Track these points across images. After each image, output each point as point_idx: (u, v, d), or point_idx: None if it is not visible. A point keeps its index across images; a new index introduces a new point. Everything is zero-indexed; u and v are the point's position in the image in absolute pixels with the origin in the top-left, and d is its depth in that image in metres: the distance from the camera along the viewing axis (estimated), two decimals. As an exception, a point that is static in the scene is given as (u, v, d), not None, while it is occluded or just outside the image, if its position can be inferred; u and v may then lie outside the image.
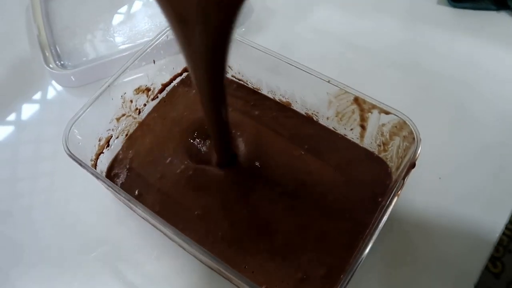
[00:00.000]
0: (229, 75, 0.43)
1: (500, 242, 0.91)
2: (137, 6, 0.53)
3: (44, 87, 0.47)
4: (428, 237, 0.35)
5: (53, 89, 0.46)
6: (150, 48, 0.38)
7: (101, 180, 0.31)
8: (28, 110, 0.45)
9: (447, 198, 0.36)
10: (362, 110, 0.35)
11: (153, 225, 0.35)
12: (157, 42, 0.39)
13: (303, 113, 0.40)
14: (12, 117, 0.45)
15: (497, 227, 0.35)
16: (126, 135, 0.40)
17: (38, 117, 0.45)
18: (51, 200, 0.39)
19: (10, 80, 0.48)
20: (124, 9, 0.52)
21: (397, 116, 0.32)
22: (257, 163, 0.37)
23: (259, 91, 0.42)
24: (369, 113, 0.34)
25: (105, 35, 0.49)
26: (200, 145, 0.38)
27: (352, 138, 0.38)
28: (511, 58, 0.45)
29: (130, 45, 0.48)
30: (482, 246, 0.34)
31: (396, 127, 0.33)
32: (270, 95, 0.41)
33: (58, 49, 0.48)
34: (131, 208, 0.35)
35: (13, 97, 0.46)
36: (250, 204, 0.35)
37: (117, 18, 0.51)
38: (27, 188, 0.40)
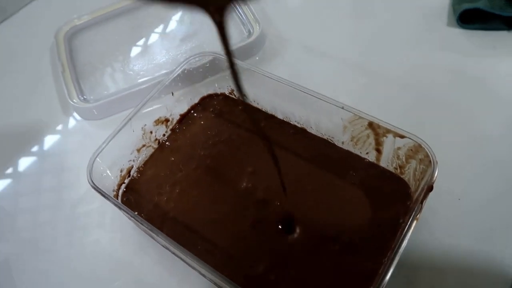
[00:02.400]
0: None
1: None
2: (153, 40, 0.55)
3: (68, 120, 0.49)
4: (451, 259, 0.34)
5: (76, 122, 0.48)
6: (169, 81, 0.40)
7: (123, 210, 0.32)
8: (53, 142, 0.47)
9: (468, 219, 0.36)
10: (377, 134, 0.35)
11: (173, 253, 0.35)
12: (175, 74, 0.41)
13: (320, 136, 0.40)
14: (36, 148, 0.47)
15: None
16: (145, 163, 0.41)
17: (62, 148, 0.47)
18: (74, 229, 0.40)
19: (36, 113, 0.50)
20: (141, 43, 0.55)
21: (412, 139, 0.33)
22: (275, 187, 0.37)
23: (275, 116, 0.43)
24: (384, 137, 0.35)
25: (125, 69, 0.52)
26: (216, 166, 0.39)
27: (372, 160, 0.38)
28: (525, 76, 0.45)
29: (148, 78, 0.50)
30: (507, 265, 0.33)
31: (411, 150, 0.33)
32: (285, 121, 0.42)
33: (81, 84, 0.50)
34: (152, 237, 0.36)
35: (39, 130, 0.48)
36: (269, 229, 0.35)
37: (135, 53, 0.54)
38: (50, 217, 0.41)
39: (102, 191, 0.33)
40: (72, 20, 0.55)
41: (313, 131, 0.40)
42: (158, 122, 0.41)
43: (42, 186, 0.44)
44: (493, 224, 0.36)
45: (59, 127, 0.48)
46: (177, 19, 0.57)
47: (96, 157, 0.35)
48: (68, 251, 0.38)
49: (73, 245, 0.39)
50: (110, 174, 0.37)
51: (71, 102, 0.46)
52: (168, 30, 0.56)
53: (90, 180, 0.33)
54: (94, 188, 0.33)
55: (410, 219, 0.29)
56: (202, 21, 0.54)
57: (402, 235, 0.28)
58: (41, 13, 0.62)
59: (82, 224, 0.40)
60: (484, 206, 0.37)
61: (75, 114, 0.49)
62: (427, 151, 0.32)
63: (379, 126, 0.34)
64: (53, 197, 0.42)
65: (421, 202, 0.29)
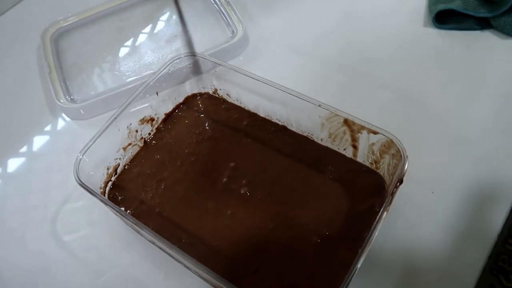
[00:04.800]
0: (227, 103, 0.45)
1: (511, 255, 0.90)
2: (140, 41, 0.56)
3: (56, 120, 0.49)
4: (424, 251, 0.36)
5: (64, 122, 0.49)
6: (153, 81, 0.41)
7: (110, 206, 0.33)
8: (40, 142, 0.48)
9: (441, 211, 0.38)
10: (352, 131, 0.37)
11: (159, 247, 0.36)
12: (160, 75, 0.42)
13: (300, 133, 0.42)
14: (24, 149, 0.48)
15: (492, 236, 0.36)
16: (131, 161, 0.42)
17: (49, 148, 0.47)
18: (63, 227, 0.41)
19: (23, 114, 0.51)
20: (128, 44, 0.56)
21: (384, 135, 0.34)
22: (257, 182, 0.39)
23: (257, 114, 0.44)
24: (359, 133, 0.36)
25: (111, 69, 0.53)
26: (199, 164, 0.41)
27: (349, 155, 0.40)
28: (496, 73, 0.47)
29: (134, 77, 0.51)
30: (478, 255, 0.35)
31: (384, 145, 0.35)
32: (267, 119, 0.43)
33: (68, 84, 0.51)
34: (138, 232, 0.37)
35: (27, 131, 0.49)
36: (250, 222, 0.37)
37: (122, 53, 0.55)
38: (40, 216, 0.42)
39: (89, 188, 0.34)
40: (58, 21, 0.56)
41: (294, 129, 0.42)
42: (143, 121, 0.42)
43: (31, 186, 0.44)
44: (464, 217, 0.37)
45: (47, 128, 0.49)
46: (163, 19, 0.58)
47: (82, 155, 0.36)
48: (57, 249, 0.39)
49: (63, 243, 0.40)
50: (96, 172, 0.38)
51: (58, 103, 0.47)
52: (154, 31, 0.57)
53: (77, 178, 0.34)
54: (81, 185, 0.34)
55: (381, 211, 0.30)
56: (187, 22, 0.56)
57: (374, 226, 0.30)
58: (27, 15, 0.63)
59: (71, 223, 0.41)
60: (457, 199, 0.38)
61: (62, 114, 0.49)
62: (398, 146, 0.33)
63: (354, 123, 0.36)
64: (41, 197, 0.43)
65: (391, 194, 0.31)
